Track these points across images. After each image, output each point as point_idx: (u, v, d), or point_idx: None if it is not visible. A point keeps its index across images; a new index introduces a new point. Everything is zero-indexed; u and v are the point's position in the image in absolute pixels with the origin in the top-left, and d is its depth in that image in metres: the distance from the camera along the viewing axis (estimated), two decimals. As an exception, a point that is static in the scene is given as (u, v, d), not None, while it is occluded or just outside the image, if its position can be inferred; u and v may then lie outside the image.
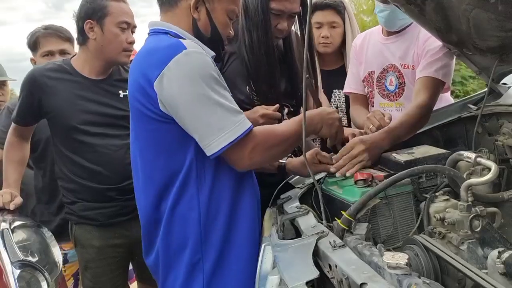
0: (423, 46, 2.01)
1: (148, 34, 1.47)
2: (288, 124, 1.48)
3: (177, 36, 1.39)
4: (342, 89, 2.55)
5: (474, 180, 1.21)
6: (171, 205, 1.37)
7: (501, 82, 1.94)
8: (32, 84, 1.97)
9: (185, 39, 1.38)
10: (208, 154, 1.30)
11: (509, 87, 1.90)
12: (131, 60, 1.86)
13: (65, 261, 2.25)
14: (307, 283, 1.00)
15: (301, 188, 1.65)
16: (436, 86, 1.90)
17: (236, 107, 1.34)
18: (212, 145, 1.28)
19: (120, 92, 2.02)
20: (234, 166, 1.36)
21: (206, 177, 1.36)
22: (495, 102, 1.82)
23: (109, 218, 2.00)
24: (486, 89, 1.82)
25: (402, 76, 2.19)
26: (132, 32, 2.01)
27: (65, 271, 2.25)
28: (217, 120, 1.28)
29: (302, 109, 1.42)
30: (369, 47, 2.33)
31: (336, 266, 1.00)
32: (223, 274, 1.38)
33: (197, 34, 1.44)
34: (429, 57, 1.93)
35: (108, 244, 2.03)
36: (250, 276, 1.33)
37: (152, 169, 1.39)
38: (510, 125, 1.66)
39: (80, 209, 2.00)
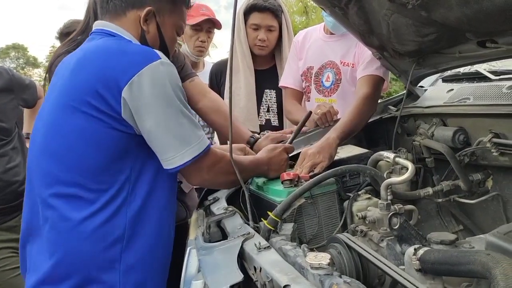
0: (364, 47, 2.06)
1: (94, 33, 1.37)
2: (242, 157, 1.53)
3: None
4: (274, 89, 2.58)
5: (393, 179, 1.26)
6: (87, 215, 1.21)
7: (418, 85, 2.04)
8: None
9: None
10: (169, 167, 1.25)
11: (425, 90, 2.02)
12: None
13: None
14: (231, 287, 0.98)
15: (229, 189, 1.62)
16: (377, 83, 1.98)
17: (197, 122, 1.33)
18: (174, 159, 1.24)
19: None
20: (189, 180, 1.34)
21: (136, 197, 1.26)
22: (412, 104, 1.91)
23: None
24: (404, 91, 1.91)
25: (340, 73, 2.27)
26: None
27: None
28: (184, 134, 1.25)
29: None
30: (310, 43, 2.40)
31: (260, 269, 0.99)
32: None
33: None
34: (370, 56, 2.00)
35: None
36: None
37: (74, 169, 1.23)
38: (426, 126, 1.76)
39: None
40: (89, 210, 1.20)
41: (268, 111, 2.63)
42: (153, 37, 1.39)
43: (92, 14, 1.82)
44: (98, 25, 1.39)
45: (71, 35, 1.91)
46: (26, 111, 2.63)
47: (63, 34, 2.61)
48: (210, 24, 2.64)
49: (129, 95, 1.18)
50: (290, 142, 1.71)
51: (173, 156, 1.24)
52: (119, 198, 1.23)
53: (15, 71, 2.45)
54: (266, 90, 2.63)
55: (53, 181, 1.23)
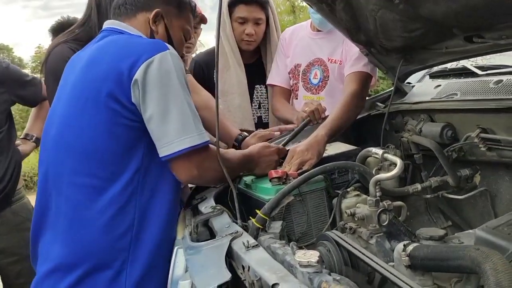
0: (352, 44, 2.01)
1: (104, 31, 1.43)
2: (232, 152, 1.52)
3: None
4: (263, 84, 2.51)
5: (381, 175, 1.25)
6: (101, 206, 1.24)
7: (406, 81, 2.04)
8: None
9: None
10: (163, 154, 1.25)
11: (413, 86, 2.02)
12: None
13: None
14: (219, 286, 0.96)
15: (217, 187, 1.60)
16: (365, 79, 1.98)
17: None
18: (172, 145, 1.23)
19: None
20: (178, 175, 1.31)
21: (145, 188, 1.29)
22: (400, 100, 1.91)
23: None
24: (392, 88, 1.91)
25: (328, 70, 2.26)
26: None
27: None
28: (185, 122, 1.25)
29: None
30: (298, 41, 2.37)
31: (248, 268, 0.97)
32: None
33: None
34: (357, 53, 1.99)
35: None
36: None
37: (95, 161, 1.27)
38: (414, 122, 1.76)
39: None
40: (101, 200, 1.24)
41: (259, 107, 2.53)
42: (161, 38, 1.44)
43: (95, 7, 1.80)
44: (108, 23, 1.44)
45: (72, 27, 1.89)
46: (32, 111, 2.49)
47: (60, 26, 2.52)
48: (197, 20, 2.56)
49: (139, 78, 1.22)
50: (284, 145, 1.69)
51: (171, 141, 1.24)
52: (130, 188, 1.26)
53: (15, 65, 2.35)
54: (256, 86, 2.53)
55: (67, 171, 1.28)
